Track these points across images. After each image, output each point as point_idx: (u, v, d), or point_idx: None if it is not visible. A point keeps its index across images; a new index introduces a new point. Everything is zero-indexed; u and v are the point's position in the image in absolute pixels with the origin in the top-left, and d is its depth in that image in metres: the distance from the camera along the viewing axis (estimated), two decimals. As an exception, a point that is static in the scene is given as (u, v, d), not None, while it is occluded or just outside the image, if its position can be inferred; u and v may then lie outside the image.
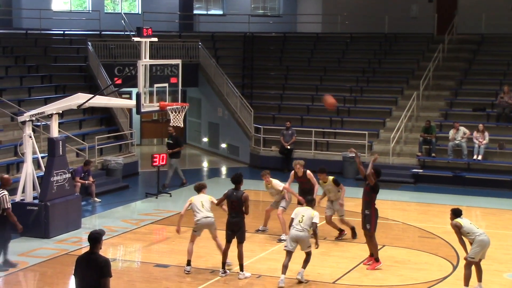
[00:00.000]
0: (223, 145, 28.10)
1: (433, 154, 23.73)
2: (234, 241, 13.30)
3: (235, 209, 13.12)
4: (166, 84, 16.13)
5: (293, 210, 13.40)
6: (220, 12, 36.95)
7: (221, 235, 13.64)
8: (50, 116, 16.66)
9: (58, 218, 16.14)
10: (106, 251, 14.58)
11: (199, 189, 14.00)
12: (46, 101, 22.11)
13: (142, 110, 15.84)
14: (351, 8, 32.78)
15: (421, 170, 23.36)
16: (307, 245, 13.01)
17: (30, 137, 16.44)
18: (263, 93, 29.16)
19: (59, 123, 18.30)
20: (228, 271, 13.59)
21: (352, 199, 18.40)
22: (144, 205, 19.97)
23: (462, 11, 30.59)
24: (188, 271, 13.62)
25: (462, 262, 13.03)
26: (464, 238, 12.55)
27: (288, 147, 24.79)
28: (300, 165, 16.02)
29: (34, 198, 16.49)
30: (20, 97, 23.23)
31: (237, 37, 31.98)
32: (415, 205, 20.87)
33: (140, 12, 33.34)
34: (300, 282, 13.06)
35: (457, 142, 23.34)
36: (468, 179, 22.71)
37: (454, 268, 14.18)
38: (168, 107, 16.09)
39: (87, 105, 16.69)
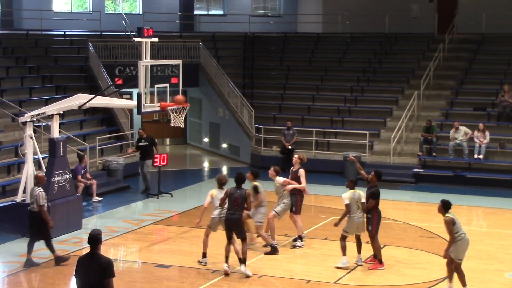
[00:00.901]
0: (224, 145, 28.10)
1: (434, 154, 23.73)
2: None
3: (237, 206, 13.36)
4: (167, 85, 16.11)
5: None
6: (221, 12, 36.94)
7: (221, 235, 13.68)
8: (51, 117, 16.65)
9: (59, 219, 16.10)
10: (107, 251, 14.60)
11: (222, 183, 14.07)
12: (47, 102, 22.10)
13: (143, 110, 15.82)
14: (351, 8, 32.77)
15: (422, 170, 23.36)
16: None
17: (31, 137, 16.44)
18: (264, 93, 29.16)
19: (60, 124, 18.32)
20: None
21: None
22: (145, 205, 20.00)
23: (463, 10, 30.60)
24: (205, 263, 13.99)
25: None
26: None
27: (290, 147, 24.80)
28: (297, 158, 15.62)
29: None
30: (21, 98, 23.23)
31: (237, 37, 31.99)
32: (416, 204, 20.88)
33: (140, 13, 33.33)
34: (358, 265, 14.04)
35: (457, 141, 23.34)
36: (469, 178, 22.72)
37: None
38: (168, 108, 16.08)
39: (88, 105, 16.67)
